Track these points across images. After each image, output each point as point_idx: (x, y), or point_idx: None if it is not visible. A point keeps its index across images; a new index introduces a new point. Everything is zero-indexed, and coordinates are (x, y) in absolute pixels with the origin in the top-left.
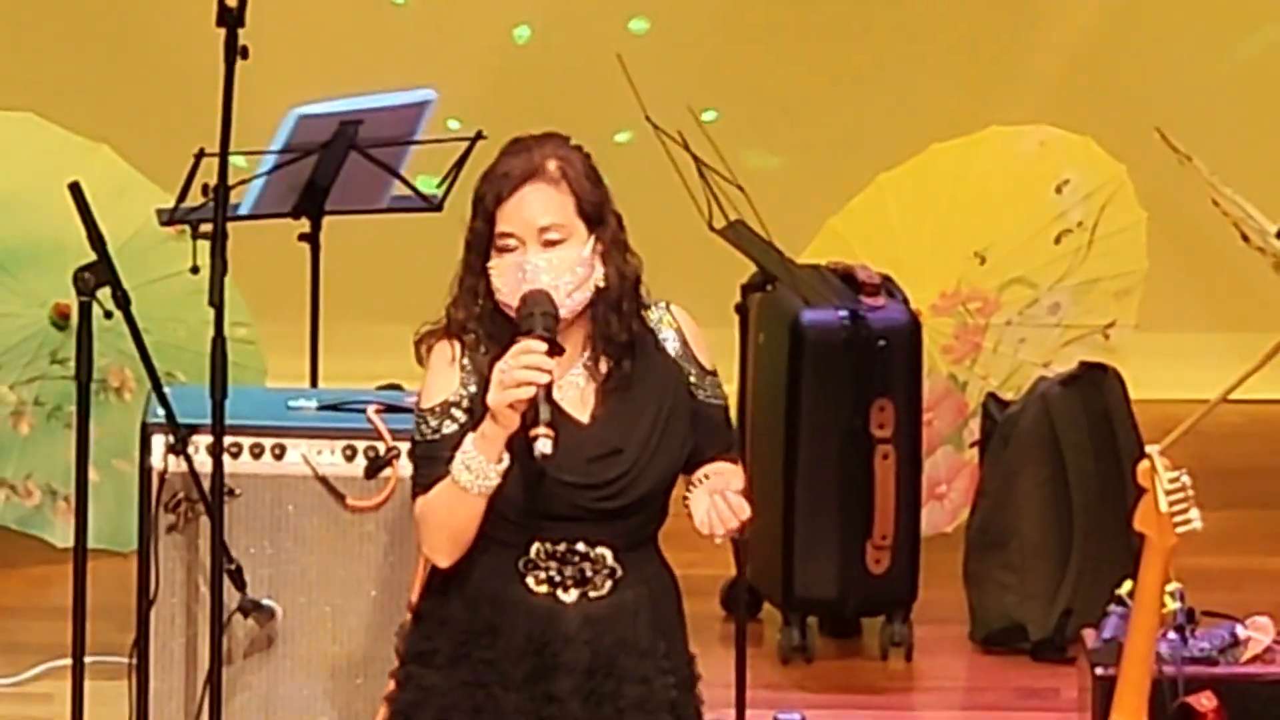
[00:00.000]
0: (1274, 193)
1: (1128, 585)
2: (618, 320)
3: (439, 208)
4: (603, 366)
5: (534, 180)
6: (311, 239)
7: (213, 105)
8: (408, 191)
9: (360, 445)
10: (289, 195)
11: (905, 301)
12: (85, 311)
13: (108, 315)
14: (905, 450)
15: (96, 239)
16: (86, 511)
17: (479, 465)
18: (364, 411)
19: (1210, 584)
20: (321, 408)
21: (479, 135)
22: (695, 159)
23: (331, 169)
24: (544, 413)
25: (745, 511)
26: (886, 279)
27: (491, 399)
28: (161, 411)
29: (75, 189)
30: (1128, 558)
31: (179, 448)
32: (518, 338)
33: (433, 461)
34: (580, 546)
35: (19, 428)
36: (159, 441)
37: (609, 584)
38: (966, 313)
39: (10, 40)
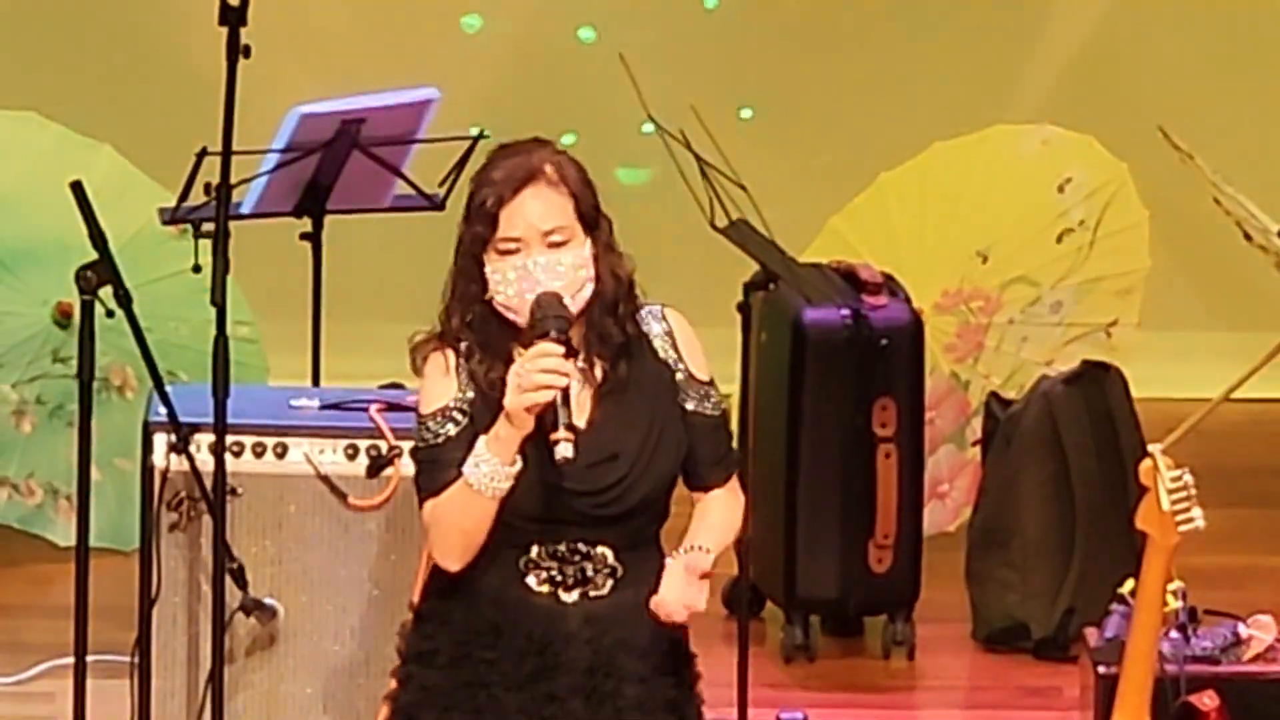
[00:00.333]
0: (1276, 191)
1: (1130, 584)
2: (613, 322)
3: (441, 207)
4: (598, 370)
5: (535, 183)
6: (314, 238)
7: (215, 104)
8: (410, 190)
9: (362, 444)
10: (291, 194)
11: (907, 300)
12: (87, 310)
13: (110, 314)
14: (907, 449)
15: (98, 238)
16: (88, 510)
17: (492, 467)
18: (366, 410)
19: (1212, 583)
20: (323, 407)
21: (481, 135)
22: (697, 158)
23: (334, 168)
24: (564, 416)
25: (696, 607)
26: (888, 278)
27: (509, 402)
28: (163, 410)
29: (77, 188)
30: (1130, 557)
31: (181, 446)
32: (531, 341)
33: (438, 465)
34: (581, 546)
35: (21, 426)
36: (161, 440)
37: (610, 583)
38: (969, 311)
39: (12, 39)
